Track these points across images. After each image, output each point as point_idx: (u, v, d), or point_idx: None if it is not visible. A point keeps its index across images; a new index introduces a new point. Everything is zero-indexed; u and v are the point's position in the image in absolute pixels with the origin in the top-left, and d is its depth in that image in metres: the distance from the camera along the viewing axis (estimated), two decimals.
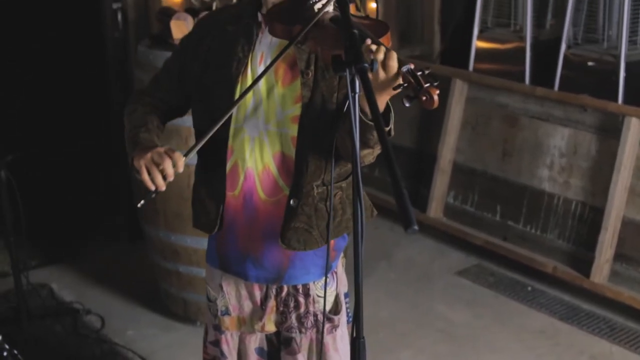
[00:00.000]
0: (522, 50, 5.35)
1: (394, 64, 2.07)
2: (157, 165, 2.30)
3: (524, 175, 4.85)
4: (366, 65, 1.84)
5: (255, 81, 2.37)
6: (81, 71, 6.31)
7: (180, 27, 4.10)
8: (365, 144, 2.26)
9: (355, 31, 1.93)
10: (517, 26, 5.54)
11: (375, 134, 2.22)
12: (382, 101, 2.18)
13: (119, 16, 4.92)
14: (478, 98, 5.11)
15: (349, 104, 2.34)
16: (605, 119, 4.50)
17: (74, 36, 6.37)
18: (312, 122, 2.43)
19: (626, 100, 4.67)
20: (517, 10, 5.54)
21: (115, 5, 4.93)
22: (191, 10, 4.33)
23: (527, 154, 4.83)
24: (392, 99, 2.20)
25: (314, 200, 2.49)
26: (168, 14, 4.26)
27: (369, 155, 2.34)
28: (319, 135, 2.43)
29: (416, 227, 1.56)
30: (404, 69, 2.05)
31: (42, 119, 6.32)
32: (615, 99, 4.69)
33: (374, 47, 2.10)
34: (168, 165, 2.29)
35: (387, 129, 2.23)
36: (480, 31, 5.58)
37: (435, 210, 5.24)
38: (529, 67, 5.31)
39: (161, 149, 2.33)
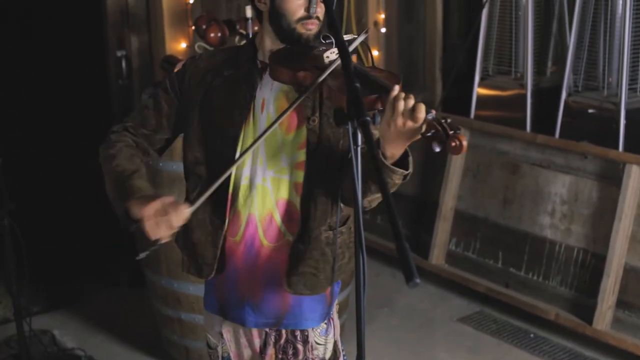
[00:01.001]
0: (523, 97, 5.38)
1: (422, 115, 2.10)
2: (163, 216, 2.25)
3: (525, 222, 4.86)
4: (368, 118, 1.87)
5: (261, 136, 2.37)
6: (85, 118, 6.35)
7: None
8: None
9: (357, 85, 1.96)
10: (517, 73, 5.57)
11: (394, 177, 2.24)
12: (403, 147, 2.21)
13: (124, 64, 4.95)
14: (479, 145, 5.13)
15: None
16: (606, 167, 4.52)
17: (79, 83, 6.42)
18: (319, 168, 2.44)
19: (627, 148, 4.69)
20: (518, 57, 5.58)
21: (119, 53, 4.96)
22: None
23: (529, 201, 4.84)
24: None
25: (322, 244, 2.50)
26: (172, 62, 4.30)
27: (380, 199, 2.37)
28: (325, 181, 2.44)
29: (418, 281, 1.57)
30: (429, 116, 2.09)
31: (47, 167, 6.35)
32: (616, 147, 4.72)
33: (401, 95, 2.12)
34: (174, 218, 2.25)
35: (408, 172, 2.26)
36: (482, 79, 5.62)
37: (437, 257, 5.25)
38: (530, 114, 5.34)
39: (166, 200, 2.29)
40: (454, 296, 5.20)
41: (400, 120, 2.11)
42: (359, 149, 1.92)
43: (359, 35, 2.46)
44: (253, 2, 2.51)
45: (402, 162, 2.25)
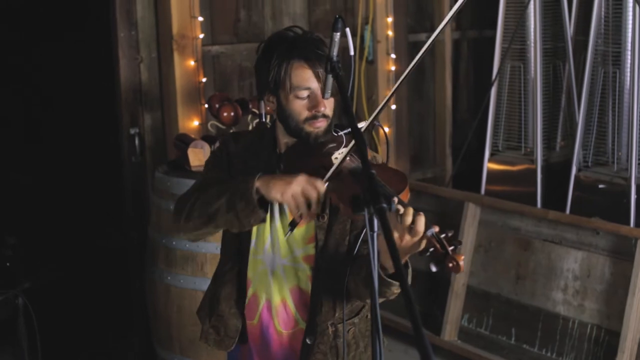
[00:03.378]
0: (533, 172, 5.41)
1: (421, 229, 2.11)
2: (305, 197, 2.25)
3: (538, 298, 4.84)
4: (385, 205, 1.88)
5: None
6: (97, 194, 6.41)
7: (197, 155, 4.17)
8: (381, 295, 2.31)
9: (374, 171, 1.97)
10: (527, 149, 5.61)
11: (392, 289, 2.28)
12: (402, 259, 2.24)
13: (137, 141, 4.98)
14: (490, 221, 5.13)
15: (359, 247, 2.40)
16: (618, 242, 4.51)
17: (92, 160, 6.49)
18: (327, 264, 2.48)
19: (638, 223, 4.70)
20: (527, 133, 5.62)
21: (132, 131, 4.99)
22: (208, 138, 4.41)
23: (541, 277, 4.83)
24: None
25: (329, 338, 2.52)
26: (185, 141, 4.33)
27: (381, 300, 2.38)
28: (332, 276, 2.47)
29: None
30: (429, 233, 2.09)
31: (60, 248, 6.39)
32: (627, 222, 4.72)
33: (401, 209, 2.13)
34: (314, 199, 2.25)
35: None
36: (491, 154, 5.66)
37: (449, 333, 5.22)
38: (540, 189, 5.36)
39: (303, 181, 2.26)
40: None
41: (398, 235, 2.13)
42: (375, 235, 1.93)
43: (372, 119, 2.43)
44: (262, 100, 2.55)
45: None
